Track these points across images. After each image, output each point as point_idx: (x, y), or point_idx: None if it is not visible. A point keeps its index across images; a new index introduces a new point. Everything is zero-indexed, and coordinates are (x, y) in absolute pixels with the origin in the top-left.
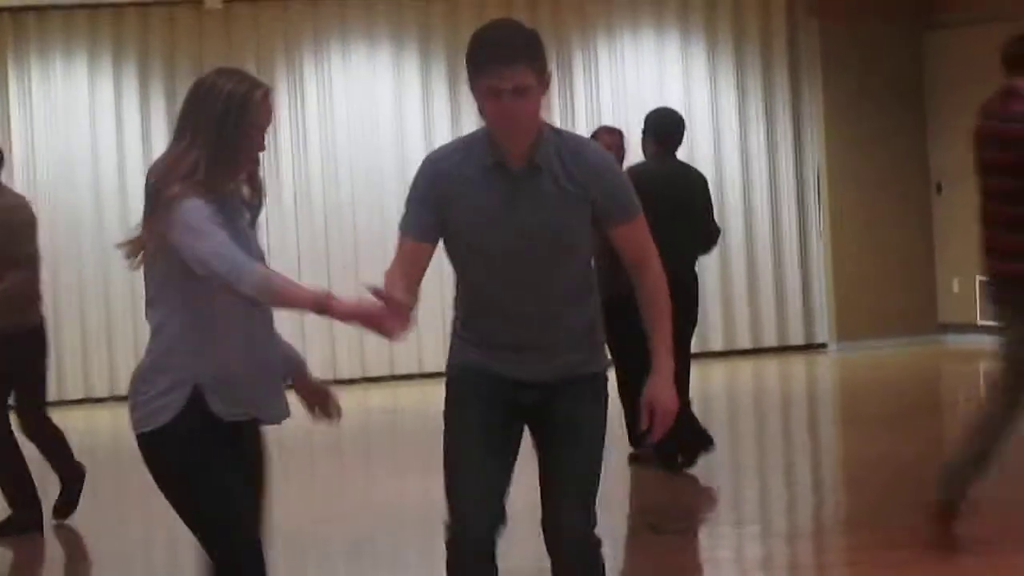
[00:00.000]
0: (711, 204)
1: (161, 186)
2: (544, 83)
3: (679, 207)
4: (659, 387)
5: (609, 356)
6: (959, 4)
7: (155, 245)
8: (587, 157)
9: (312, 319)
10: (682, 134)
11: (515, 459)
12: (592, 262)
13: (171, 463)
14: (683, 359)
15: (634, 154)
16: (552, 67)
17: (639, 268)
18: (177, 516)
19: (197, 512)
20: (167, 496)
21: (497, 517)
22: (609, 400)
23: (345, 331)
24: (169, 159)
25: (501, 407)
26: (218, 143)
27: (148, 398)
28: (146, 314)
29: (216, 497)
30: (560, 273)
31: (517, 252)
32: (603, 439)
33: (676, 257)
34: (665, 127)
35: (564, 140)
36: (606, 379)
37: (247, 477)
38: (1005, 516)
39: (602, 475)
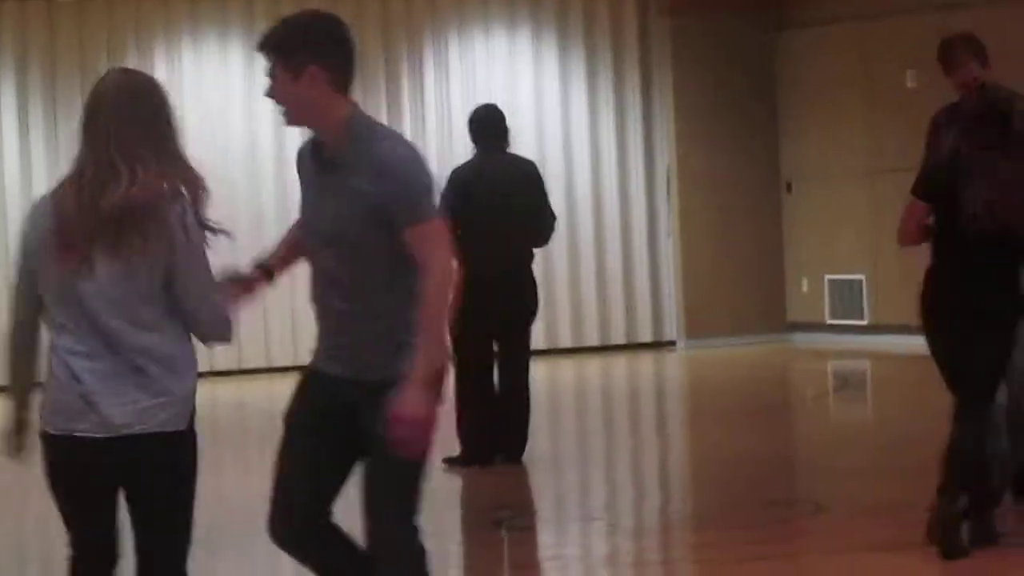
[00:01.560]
0: (544, 193)
1: None
2: (296, 74)
3: (505, 201)
4: (404, 393)
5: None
6: (812, 2)
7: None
8: (378, 156)
9: None
10: (503, 128)
11: (337, 457)
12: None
13: (194, 461)
14: (522, 354)
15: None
16: (403, 62)
17: (422, 272)
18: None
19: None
20: (180, 494)
21: (302, 508)
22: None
23: None
24: None
25: (319, 409)
26: None
27: (187, 395)
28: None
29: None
30: (356, 270)
31: (322, 242)
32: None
33: (504, 251)
34: (482, 123)
35: (372, 137)
36: None
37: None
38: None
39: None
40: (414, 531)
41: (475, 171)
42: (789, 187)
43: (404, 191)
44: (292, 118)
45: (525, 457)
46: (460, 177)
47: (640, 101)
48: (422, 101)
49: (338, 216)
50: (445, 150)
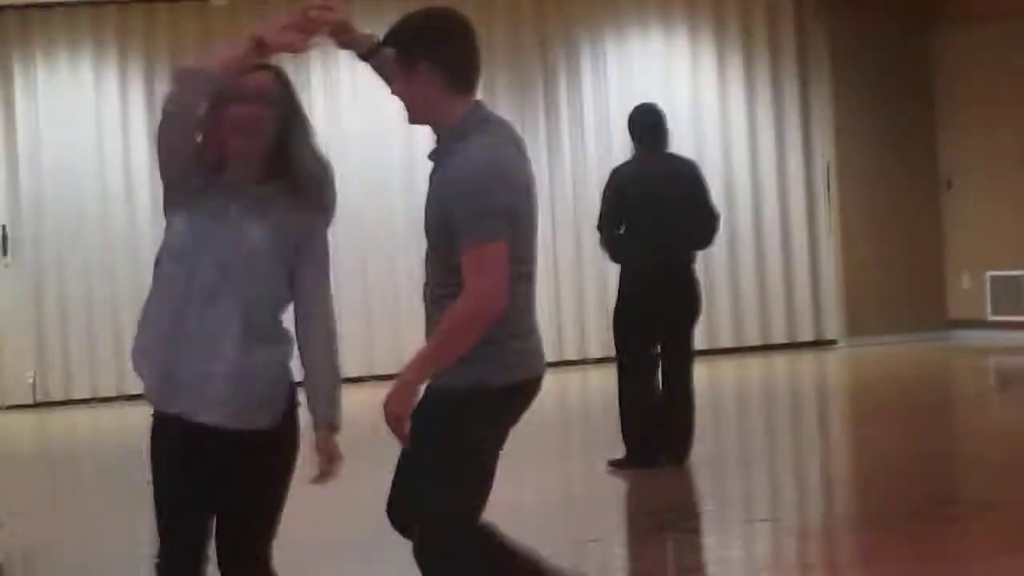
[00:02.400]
0: (705, 192)
1: None
2: (409, 71)
3: (666, 201)
4: (394, 386)
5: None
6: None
7: None
8: (456, 160)
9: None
10: (662, 127)
11: None
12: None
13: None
14: (686, 356)
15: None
16: (560, 64)
17: (461, 294)
18: None
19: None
20: (278, 489)
21: None
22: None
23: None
24: None
25: None
26: None
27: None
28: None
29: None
30: (433, 272)
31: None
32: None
33: (667, 251)
34: (642, 122)
35: (467, 140)
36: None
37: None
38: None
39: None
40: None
41: (635, 171)
42: (949, 183)
43: (465, 204)
44: (410, 116)
45: (689, 459)
46: (621, 176)
47: (798, 99)
48: (580, 102)
49: (427, 215)
50: (603, 151)
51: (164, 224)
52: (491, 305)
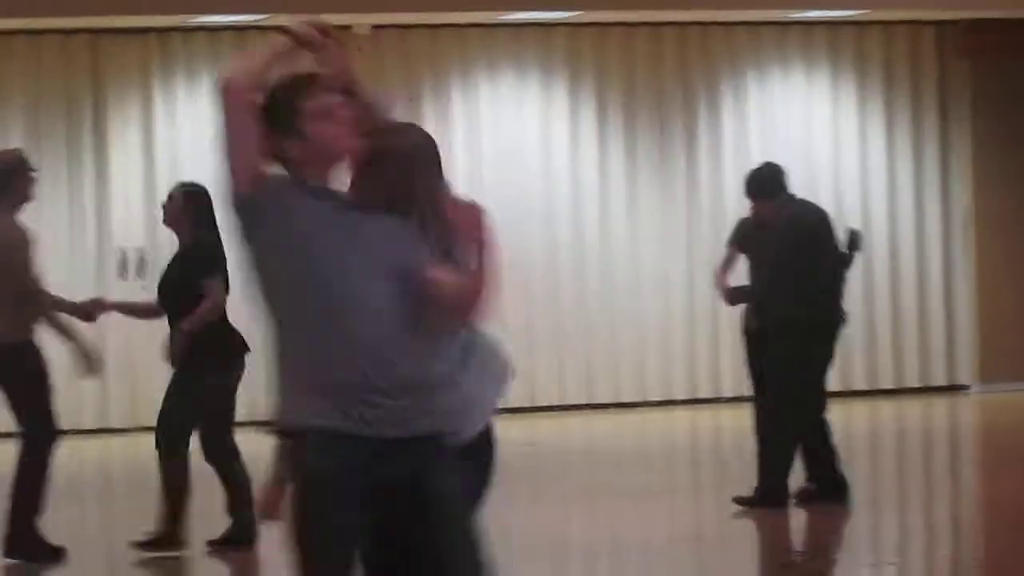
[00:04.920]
0: (830, 235)
1: None
2: None
3: (791, 250)
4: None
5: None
6: None
7: None
8: None
9: None
10: (777, 180)
11: None
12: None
13: None
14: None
15: None
16: (700, 102)
17: None
18: None
19: None
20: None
21: None
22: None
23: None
24: None
25: None
26: None
27: None
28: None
29: None
30: None
31: None
32: None
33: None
34: (755, 182)
35: None
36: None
37: None
38: None
39: None
40: None
41: (751, 225)
42: None
43: None
44: None
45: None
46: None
47: (938, 142)
48: (719, 142)
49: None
50: (743, 198)
51: None
52: None
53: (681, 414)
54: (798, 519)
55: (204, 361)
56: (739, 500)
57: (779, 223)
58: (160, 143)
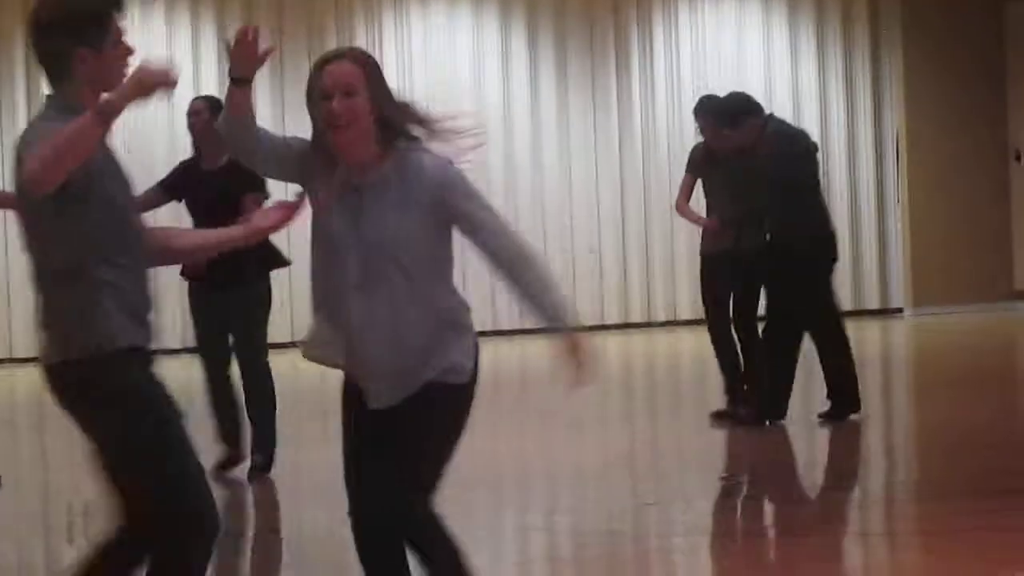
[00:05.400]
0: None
1: None
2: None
3: (797, 165)
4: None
5: None
6: None
7: None
8: None
9: None
10: (753, 101)
11: None
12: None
13: None
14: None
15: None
16: (632, 31)
17: None
18: None
19: None
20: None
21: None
22: None
23: None
24: None
25: None
26: None
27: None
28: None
29: None
30: None
31: None
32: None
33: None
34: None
35: None
36: None
37: None
38: None
39: None
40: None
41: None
42: (1018, 156)
43: None
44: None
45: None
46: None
47: (869, 69)
48: (651, 72)
49: None
50: (674, 121)
51: None
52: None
53: (600, 339)
54: (735, 442)
55: (260, 271)
56: (719, 414)
57: (772, 141)
58: None
